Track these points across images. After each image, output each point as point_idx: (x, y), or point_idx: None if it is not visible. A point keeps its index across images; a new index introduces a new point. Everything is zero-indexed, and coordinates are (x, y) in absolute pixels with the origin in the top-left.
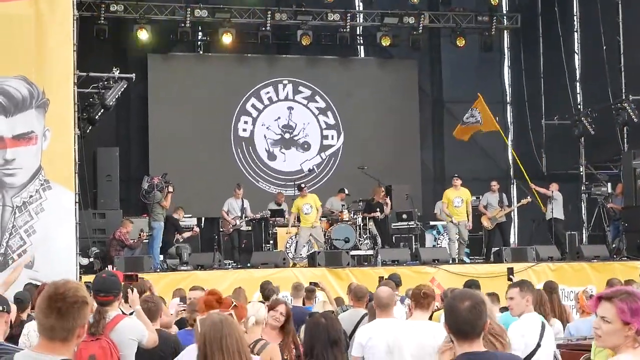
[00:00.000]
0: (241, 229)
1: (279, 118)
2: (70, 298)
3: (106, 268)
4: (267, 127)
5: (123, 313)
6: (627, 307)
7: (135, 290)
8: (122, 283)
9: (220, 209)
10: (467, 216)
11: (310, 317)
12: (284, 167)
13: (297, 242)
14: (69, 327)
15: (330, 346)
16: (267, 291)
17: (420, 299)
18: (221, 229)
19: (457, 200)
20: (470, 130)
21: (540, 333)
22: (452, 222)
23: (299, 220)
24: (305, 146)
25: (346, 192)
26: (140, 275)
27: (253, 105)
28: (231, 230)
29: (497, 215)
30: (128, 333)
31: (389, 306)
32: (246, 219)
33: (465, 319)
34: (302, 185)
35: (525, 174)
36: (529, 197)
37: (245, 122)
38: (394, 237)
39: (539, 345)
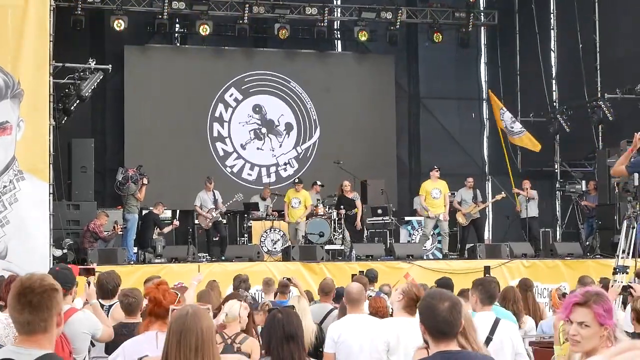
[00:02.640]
0: (218, 220)
1: (255, 111)
2: (38, 289)
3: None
4: (244, 120)
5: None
6: (603, 310)
7: (92, 283)
8: (84, 277)
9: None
10: (445, 208)
11: (269, 312)
12: (260, 160)
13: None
14: (45, 318)
15: (286, 341)
16: (239, 284)
17: (413, 304)
18: (196, 222)
19: (435, 191)
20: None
21: (492, 328)
22: (429, 216)
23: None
24: (281, 140)
25: (319, 183)
26: (113, 267)
27: (229, 98)
28: (210, 225)
29: (472, 211)
30: (80, 326)
31: (359, 302)
32: (219, 210)
33: (445, 319)
34: (297, 180)
35: (510, 175)
36: (503, 193)
37: (222, 115)
38: (368, 232)
39: (489, 339)
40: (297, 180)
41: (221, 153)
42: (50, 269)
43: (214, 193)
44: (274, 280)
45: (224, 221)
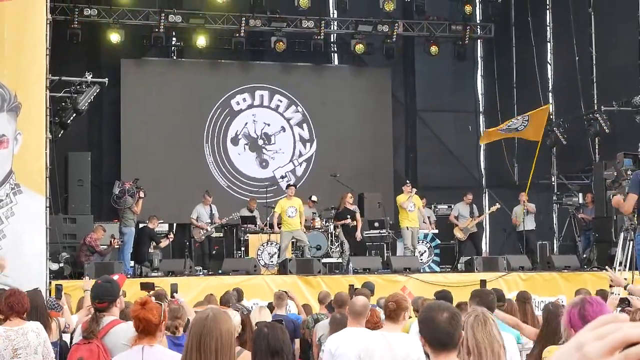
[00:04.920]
0: (212, 235)
1: (252, 124)
2: None
3: (108, 275)
4: (240, 134)
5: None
6: None
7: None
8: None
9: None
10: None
11: (256, 325)
12: (257, 174)
13: (279, 247)
14: None
15: (270, 356)
16: (225, 298)
17: (389, 311)
18: (192, 236)
19: (411, 205)
20: (502, 135)
21: None
22: (407, 228)
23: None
24: (278, 153)
25: (313, 198)
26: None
27: (226, 112)
28: (203, 238)
29: (469, 225)
30: (121, 338)
31: (362, 315)
32: (214, 225)
33: (444, 330)
34: (291, 185)
35: (528, 186)
36: (497, 204)
37: (218, 128)
38: (365, 245)
39: None
40: (290, 185)
41: (217, 166)
42: (95, 282)
43: (210, 207)
44: (286, 294)
45: (220, 234)
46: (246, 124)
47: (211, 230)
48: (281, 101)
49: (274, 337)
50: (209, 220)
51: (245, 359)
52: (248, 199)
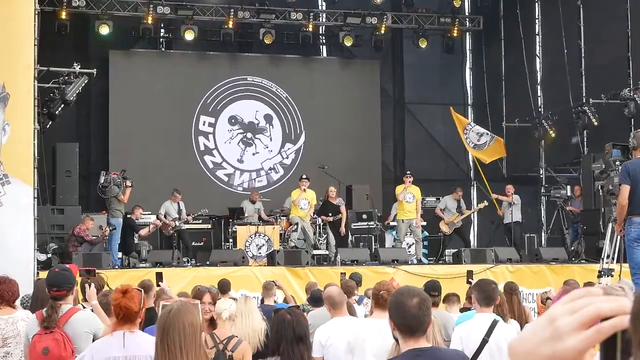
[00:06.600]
0: (182, 229)
1: (240, 116)
2: None
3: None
4: (228, 125)
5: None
6: None
7: (92, 285)
8: (81, 278)
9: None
10: (417, 213)
11: (275, 313)
12: (245, 165)
13: (295, 227)
14: None
15: (296, 342)
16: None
17: (382, 300)
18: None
19: (408, 196)
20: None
21: (489, 330)
22: (402, 221)
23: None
24: (266, 145)
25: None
26: (97, 271)
27: (215, 103)
28: (171, 232)
29: (455, 220)
30: (82, 326)
31: (342, 304)
32: (182, 220)
33: (413, 315)
34: (304, 177)
35: (486, 183)
36: (485, 201)
37: (207, 120)
38: (353, 237)
39: (485, 340)
40: (304, 177)
41: (206, 158)
42: (50, 270)
43: (179, 204)
44: (273, 284)
45: (209, 226)
46: (234, 115)
47: (179, 226)
48: (269, 93)
49: (299, 323)
50: (177, 216)
51: (243, 351)
52: (249, 192)
